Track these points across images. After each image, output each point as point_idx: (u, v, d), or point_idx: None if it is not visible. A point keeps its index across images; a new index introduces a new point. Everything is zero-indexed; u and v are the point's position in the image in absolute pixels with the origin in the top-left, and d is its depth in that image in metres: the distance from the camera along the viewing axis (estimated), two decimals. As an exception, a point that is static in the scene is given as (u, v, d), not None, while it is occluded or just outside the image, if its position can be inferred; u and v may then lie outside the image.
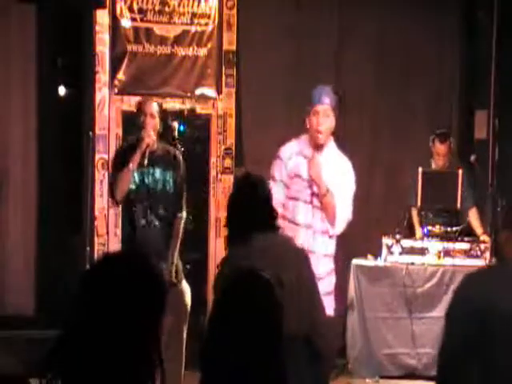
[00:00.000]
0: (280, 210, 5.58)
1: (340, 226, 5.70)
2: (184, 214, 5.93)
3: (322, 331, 3.99)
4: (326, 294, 5.32)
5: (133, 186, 5.83)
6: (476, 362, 3.22)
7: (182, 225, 5.90)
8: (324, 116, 5.72)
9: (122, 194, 5.79)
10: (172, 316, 5.69)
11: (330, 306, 5.32)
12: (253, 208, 4.02)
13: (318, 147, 5.77)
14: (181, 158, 5.95)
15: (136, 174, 5.84)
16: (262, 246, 3.91)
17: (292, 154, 5.80)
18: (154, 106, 5.93)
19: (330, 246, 5.73)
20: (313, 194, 5.67)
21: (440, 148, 7.36)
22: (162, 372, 2.29)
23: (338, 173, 5.74)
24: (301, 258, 4.07)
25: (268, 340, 2.54)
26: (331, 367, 4.03)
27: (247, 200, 4.05)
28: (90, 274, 2.35)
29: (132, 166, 5.74)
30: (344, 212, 5.68)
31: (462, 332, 3.24)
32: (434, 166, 7.43)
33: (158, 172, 5.88)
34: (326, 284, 5.51)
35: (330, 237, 5.71)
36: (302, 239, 5.51)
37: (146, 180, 5.86)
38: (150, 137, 5.78)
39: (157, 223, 5.85)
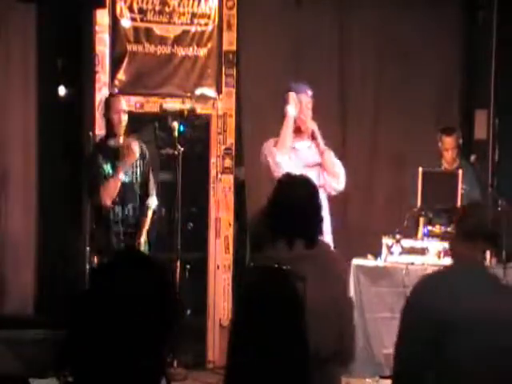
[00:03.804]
0: None
1: (343, 180, 6.07)
2: (153, 199, 6.22)
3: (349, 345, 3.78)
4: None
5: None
6: (433, 367, 3.20)
7: (150, 211, 6.23)
8: (307, 108, 5.94)
9: (111, 199, 5.92)
10: None
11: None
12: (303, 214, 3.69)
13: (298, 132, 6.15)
14: (144, 147, 6.25)
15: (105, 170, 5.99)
16: (301, 254, 3.62)
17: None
18: (123, 102, 6.27)
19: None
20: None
21: (448, 141, 7.28)
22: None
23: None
24: (337, 272, 3.78)
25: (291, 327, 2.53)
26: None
27: (301, 204, 3.70)
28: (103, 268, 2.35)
29: (120, 174, 5.88)
30: (342, 167, 6.06)
31: (419, 338, 3.21)
32: (444, 163, 7.35)
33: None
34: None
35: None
36: None
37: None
38: (136, 154, 6.07)
39: (131, 213, 6.12)
